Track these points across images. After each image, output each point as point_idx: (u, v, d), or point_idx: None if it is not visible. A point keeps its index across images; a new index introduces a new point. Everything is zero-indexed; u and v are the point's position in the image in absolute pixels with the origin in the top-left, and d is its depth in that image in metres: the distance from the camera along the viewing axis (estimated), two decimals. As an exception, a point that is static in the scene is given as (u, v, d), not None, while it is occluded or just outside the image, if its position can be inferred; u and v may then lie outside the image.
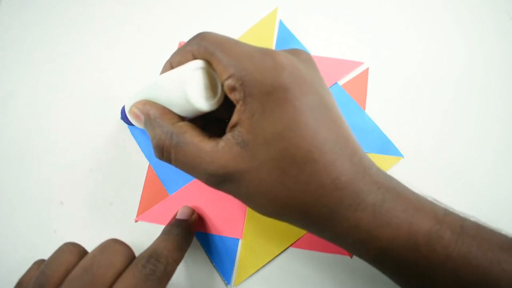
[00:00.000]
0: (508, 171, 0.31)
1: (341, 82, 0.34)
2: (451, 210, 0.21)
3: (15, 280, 0.23)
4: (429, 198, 0.21)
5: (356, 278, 0.29)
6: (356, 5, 0.36)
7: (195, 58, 0.21)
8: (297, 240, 0.29)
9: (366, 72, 0.34)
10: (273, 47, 0.34)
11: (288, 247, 0.29)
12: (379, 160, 0.31)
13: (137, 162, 0.32)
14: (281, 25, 0.35)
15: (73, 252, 0.23)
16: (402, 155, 0.31)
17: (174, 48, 0.35)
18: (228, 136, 0.20)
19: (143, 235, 0.30)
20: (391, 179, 0.21)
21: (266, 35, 0.33)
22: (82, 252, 0.23)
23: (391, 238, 0.19)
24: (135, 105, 0.23)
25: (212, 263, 0.30)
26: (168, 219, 0.30)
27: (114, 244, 0.23)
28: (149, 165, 0.32)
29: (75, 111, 0.34)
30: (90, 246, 0.30)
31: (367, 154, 0.31)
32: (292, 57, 0.20)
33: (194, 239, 0.30)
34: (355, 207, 0.19)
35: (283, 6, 0.35)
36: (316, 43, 0.35)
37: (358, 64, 0.34)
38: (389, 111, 0.33)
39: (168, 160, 0.22)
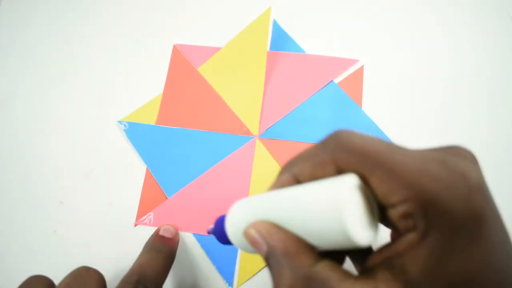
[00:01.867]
0: (508, 170, 0.31)
1: (336, 80, 0.34)
2: None
3: (15, 280, 0.23)
4: None
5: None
6: (349, 3, 0.36)
7: (339, 170, 0.16)
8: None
9: (361, 69, 0.34)
10: (268, 47, 0.35)
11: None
12: (377, 157, 0.31)
13: (137, 161, 0.33)
14: (275, 25, 0.36)
15: (42, 284, 0.22)
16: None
17: (169, 49, 0.36)
18: (384, 274, 0.15)
19: (143, 235, 0.31)
20: None
21: (260, 36, 0.34)
22: (51, 285, 0.22)
23: None
24: (255, 226, 0.18)
25: (214, 265, 0.29)
26: (167, 222, 0.30)
27: (87, 271, 0.22)
28: (146, 168, 0.32)
29: (74, 112, 0.35)
30: (90, 245, 0.31)
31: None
32: (476, 168, 0.15)
33: (195, 241, 0.30)
34: None
35: (276, 5, 0.36)
36: (311, 42, 0.35)
37: (353, 61, 0.34)
38: (385, 108, 0.33)
39: None
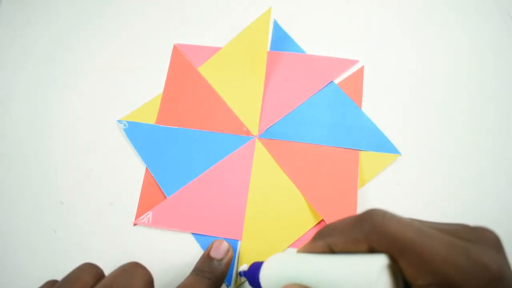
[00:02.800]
0: (508, 170, 0.31)
1: (336, 81, 0.34)
2: None
3: (15, 279, 0.23)
4: None
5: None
6: (350, 3, 0.36)
7: (371, 249, 0.18)
8: (296, 241, 0.29)
9: (361, 70, 0.34)
10: (268, 47, 0.35)
11: (287, 248, 0.29)
12: (377, 158, 0.31)
13: (136, 161, 0.33)
14: (276, 25, 0.36)
15: (91, 273, 0.22)
16: (399, 152, 0.31)
17: (169, 49, 0.36)
18: None
19: (142, 236, 0.31)
20: None
21: (261, 36, 0.34)
22: (100, 274, 0.22)
23: None
24: None
25: (212, 265, 0.29)
26: (166, 221, 0.30)
27: (135, 268, 0.22)
28: (146, 168, 0.32)
29: (74, 111, 0.35)
30: (89, 245, 0.31)
31: (365, 152, 0.31)
32: (498, 257, 0.17)
33: (194, 241, 0.30)
34: None
35: (277, 6, 0.36)
36: (311, 42, 0.35)
37: (353, 62, 0.34)
38: (385, 108, 0.33)
39: None
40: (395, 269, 0.17)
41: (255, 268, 0.24)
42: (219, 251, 0.28)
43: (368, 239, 0.17)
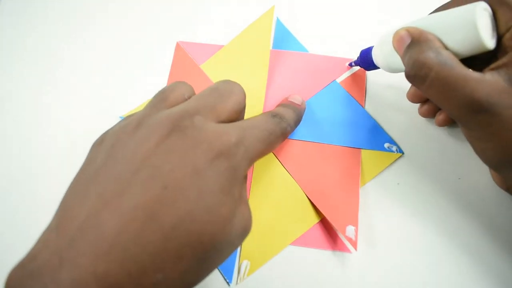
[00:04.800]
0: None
1: (339, 80, 0.34)
2: None
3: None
4: None
5: (357, 274, 0.28)
6: (353, 2, 0.36)
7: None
8: (297, 238, 0.29)
9: (364, 69, 0.34)
10: (271, 46, 0.35)
11: (288, 245, 0.29)
12: (379, 157, 0.31)
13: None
14: (278, 24, 0.36)
15: (186, 87, 0.23)
16: (402, 151, 0.31)
17: (172, 47, 0.36)
18: (492, 73, 0.21)
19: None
20: None
21: (263, 34, 0.34)
22: (193, 91, 0.23)
23: None
24: (408, 28, 0.24)
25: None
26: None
27: (234, 83, 0.23)
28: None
29: (77, 109, 0.35)
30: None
31: (367, 151, 0.31)
32: None
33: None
34: None
35: (280, 4, 0.36)
36: (314, 41, 0.35)
37: (356, 61, 0.34)
38: (388, 107, 0.33)
39: (423, 80, 0.22)
40: (493, 20, 0.22)
41: (367, 50, 0.30)
42: (296, 97, 0.29)
43: None
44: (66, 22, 0.38)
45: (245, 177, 0.21)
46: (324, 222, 0.30)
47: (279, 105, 0.28)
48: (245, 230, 0.20)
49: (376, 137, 0.31)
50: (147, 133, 0.19)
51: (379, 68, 0.29)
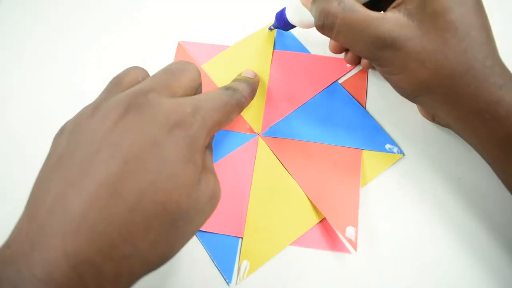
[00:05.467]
0: None
1: (340, 81, 0.34)
2: None
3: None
4: None
5: (356, 275, 0.28)
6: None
7: None
8: (297, 239, 0.29)
9: (365, 70, 0.34)
10: (273, 47, 0.35)
11: (288, 245, 0.29)
12: (380, 158, 0.31)
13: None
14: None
15: (139, 70, 0.23)
16: (402, 152, 0.31)
17: (173, 46, 0.36)
18: (393, 10, 0.23)
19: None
20: None
21: (267, 36, 0.34)
22: (147, 74, 0.24)
23: None
24: None
25: (213, 262, 0.29)
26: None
27: (188, 62, 0.24)
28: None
29: (75, 111, 0.34)
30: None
31: (368, 151, 0.31)
32: None
33: (195, 236, 0.30)
34: (499, 86, 0.22)
35: (281, 5, 0.36)
36: (315, 42, 0.35)
37: (358, 62, 0.34)
38: (389, 108, 0.33)
39: (331, 27, 0.24)
40: None
41: (280, 13, 0.31)
42: (249, 71, 0.31)
43: None
44: (66, 21, 0.38)
45: (208, 146, 0.23)
46: (324, 223, 0.30)
47: (232, 81, 0.29)
48: (213, 197, 0.21)
49: (377, 138, 0.31)
50: (104, 115, 0.20)
51: (295, 26, 0.31)
